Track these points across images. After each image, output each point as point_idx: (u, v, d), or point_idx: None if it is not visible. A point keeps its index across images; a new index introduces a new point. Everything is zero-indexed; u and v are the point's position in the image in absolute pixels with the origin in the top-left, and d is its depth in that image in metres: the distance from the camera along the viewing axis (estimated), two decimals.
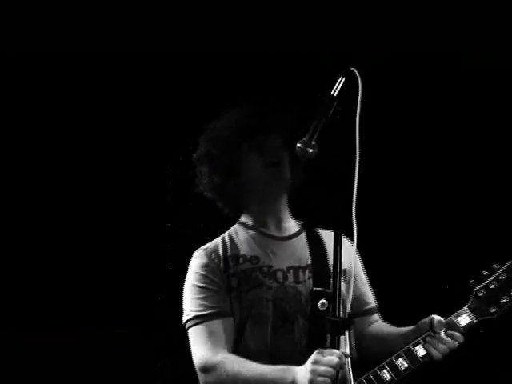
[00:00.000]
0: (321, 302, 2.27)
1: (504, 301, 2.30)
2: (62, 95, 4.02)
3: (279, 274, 2.35)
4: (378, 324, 2.56)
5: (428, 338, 2.28)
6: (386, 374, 2.24)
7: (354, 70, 1.86)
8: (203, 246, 2.46)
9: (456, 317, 2.31)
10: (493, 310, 2.31)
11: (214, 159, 2.49)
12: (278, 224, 2.49)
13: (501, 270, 2.31)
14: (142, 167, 3.99)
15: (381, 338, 2.46)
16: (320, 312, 2.23)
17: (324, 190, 2.10)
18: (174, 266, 3.94)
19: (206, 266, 2.38)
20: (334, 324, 1.91)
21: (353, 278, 2.23)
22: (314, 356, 2.04)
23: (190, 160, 3.32)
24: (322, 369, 1.99)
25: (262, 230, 2.48)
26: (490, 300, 2.30)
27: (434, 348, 2.26)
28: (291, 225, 2.53)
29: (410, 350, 2.27)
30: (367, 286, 2.57)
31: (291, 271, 2.37)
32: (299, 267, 2.39)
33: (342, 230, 2.00)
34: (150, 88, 3.89)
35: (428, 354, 2.27)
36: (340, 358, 1.98)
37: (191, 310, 2.35)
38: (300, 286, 2.36)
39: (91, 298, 4.07)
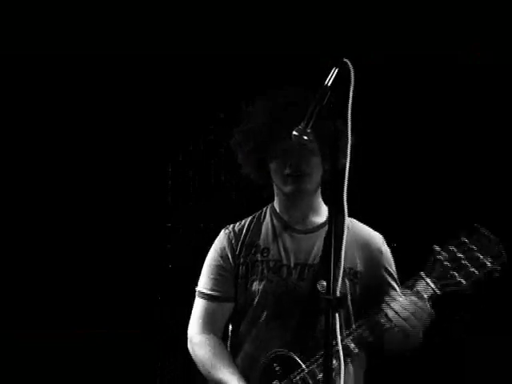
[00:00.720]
0: (319, 283, 2.38)
1: (473, 270, 2.19)
2: (63, 96, 4.08)
3: (284, 270, 2.46)
4: None
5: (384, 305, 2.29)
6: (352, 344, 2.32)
7: (347, 60, 1.96)
8: (231, 226, 2.60)
9: (413, 282, 2.28)
10: (461, 280, 2.20)
11: (245, 153, 2.57)
12: (304, 218, 2.56)
13: (469, 236, 2.20)
14: (142, 167, 4.06)
15: None
16: (317, 293, 2.35)
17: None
18: (173, 266, 4.01)
19: (223, 250, 2.54)
20: (328, 302, 2.00)
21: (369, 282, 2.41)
22: None
23: (190, 160, 3.42)
24: None
25: (286, 219, 2.56)
26: (456, 269, 2.21)
27: (392, 310, 2.25)
28: (319, 218, 2.56)
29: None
30: (394, 283, 2.53)
31: (298, 268, 2.48)
32: (306, 264, 2.48)
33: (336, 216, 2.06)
34: (150, 88, 3.97)
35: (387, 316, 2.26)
36: None
37: (200, 284, 2.58)
38: (302, 283, 2.46)
39: (91, 297, 4.14)
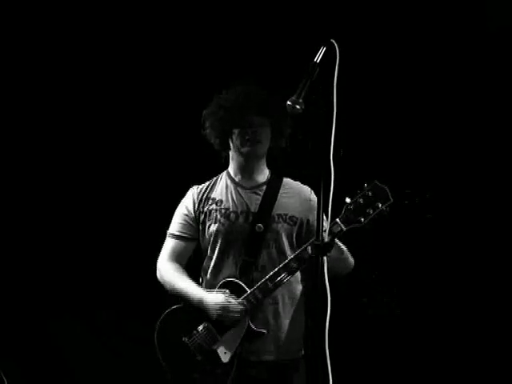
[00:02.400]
0: (257, 225, 3.09)
1: (370, 211, 2.84)
2: (63, 95, 4.40)
3: (232, 215, 3.15)
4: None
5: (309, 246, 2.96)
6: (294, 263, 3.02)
7: (333, 41, 2.33)
8: (196, 186, 3.31)
9: (331, 226, 2.87)
10: (362, 220, 2.85)
11: (212, 124, 3.24)
12: (250, 176, 3.23)
13: (367, 188, 2.86)
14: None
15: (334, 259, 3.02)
16: (257, 233, 3.08)
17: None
18: None
19: (188, 200, 3.26)
20: (316, 247, 2.34)
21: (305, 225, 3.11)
22: (226, 298, 3.01)
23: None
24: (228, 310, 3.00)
25: (236, 179, 3.24)
26: (359, 212, 2.86)
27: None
28: (261, 177, 3.25)
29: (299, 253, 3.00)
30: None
31: (243, 214, 3.15)
32: (249, 212, 3.15)
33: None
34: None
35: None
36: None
37: (170, 228, 3.29)
38: (246, 225, 3.14)
39: (97, 291, 4.44)
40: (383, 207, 2.84)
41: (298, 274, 3.16)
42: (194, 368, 3.09)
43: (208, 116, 3.25)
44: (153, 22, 4.38)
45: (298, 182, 3.30)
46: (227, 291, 3.06)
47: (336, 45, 2.36)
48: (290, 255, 3.06)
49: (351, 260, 3.14)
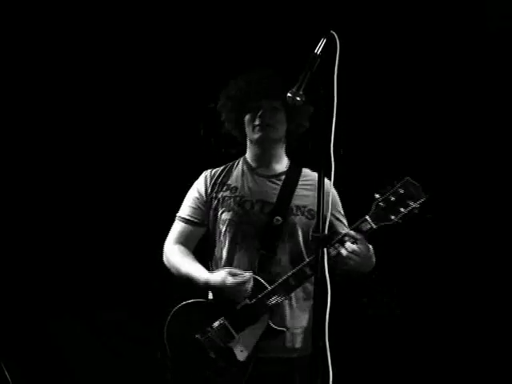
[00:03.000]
0: (276, 218, 2.97)
1: (401, 209, 2.73)
2: (63, 93, 4.42)
3: (247, 204, 3.02)
4: None
5: (337, 243, 2.82)
6: (307, 269, 2.85)
7: (334, 32, 2.34)
8: (210, 169, 3.20)
9: (360, 223, 2.80)
10: (392, 217, 2.74)
11: (226, 117, 3.19)
12: (268, 164, 3.12)
13: (399, 185, 2.75)
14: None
15: None
16: (275, 226, 2.95)
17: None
18: None
19: (200, 184, 3.15)
20: (316, 239, 2.34)
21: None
22: (230, 271, 2.89)
23: None
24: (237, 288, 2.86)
25: (253, 166, 3.13)
26: (390, 209, 2.74)
27: (343, 247, 2.78)
28: (280, 166, 3.13)
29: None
30: (342, 218, 3.13)
31: (259, 203, 3.03)
32: (266, 202, 3.03)
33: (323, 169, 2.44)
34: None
35: (338, 252, 2.79)
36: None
37: (180, 211, 3.18)
38: (262, 215, 3.01)
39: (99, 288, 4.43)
40: (415, 205, 2.72)
41: None
42: (207, 366, 2.95)
43: (220, 109, 3.20)
44: (152, 21, 4.40)
45: (315, 173, 3.07)
46: (233, 270, 2.93)
47: (336, 36, 2.37)
48: (304, 250, 3.00)
49: (374, 258, 3.02)
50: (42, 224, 4.58)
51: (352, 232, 2.79)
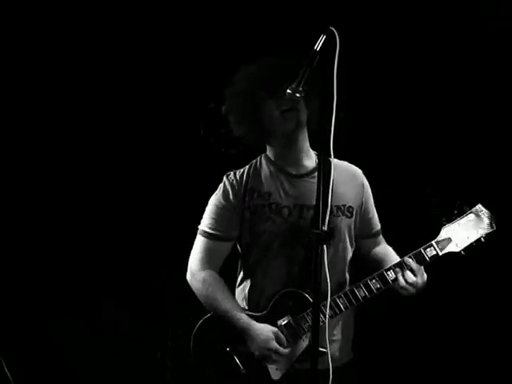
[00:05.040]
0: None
1: (469, 237, 2.62)
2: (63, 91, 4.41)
3: (285, 211, 2.75)
4: (383, 248, 2.95)
5: (397, 267, 2.67)
6: (361, 292, 2.66)
7: (333, 29, 2.34)
8: (232, 173, 2.88)
9: (424, 249, 2.67)
10: (460, 251, 2.64)
11: (236, 112, 2.84)
12: (297, 161, 2.83)
13: (469, 211, 2.64)
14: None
15: (379, 262, 2.87)
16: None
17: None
18: None
19: (227, 194, 2.81)
20: (317, 235, 2.33)
21: (359, 215, 2.80)
22: (275, 335, 2.65)
23: None
24: (273, 355, 2.64)
25: (281, 166, 2.83)
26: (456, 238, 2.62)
27: (401, 274, 2.65)
28: (310, 161, 2.85)
29: (382, 273, 2.68)
30: (374, 211, 2.95)
31: (297, 208, 2.76)
32: (304, 205, 2.76)
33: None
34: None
35: (396, 278, 2.65)
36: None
37: (203, 223, 2.85)
38: (302, 221, 2.75)
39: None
40: (484, 235, 2.62)
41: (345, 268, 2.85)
42: (235, 381, 2.72)
43: (229, 110, 2.88)
44: (151, 20, 4.41)
45: (346, 163, 2.91)
46: (290, 303, 2.70)
47: (336, 33, 2.36)
48: (349, 254, 2.82)
49: None
50: (42, 224, 4.58)
51: (413, 263, 2.64)
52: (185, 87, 4.31)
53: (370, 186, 2.95)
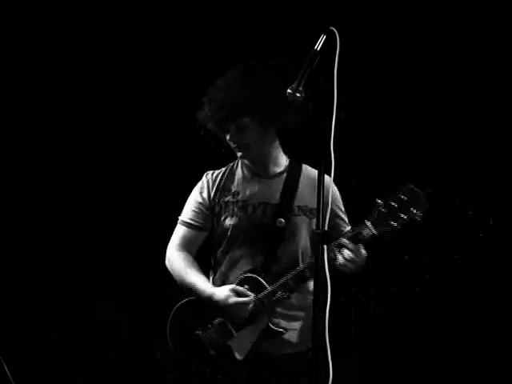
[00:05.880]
0: (278, 220, 2.96)
1: (403, 216, 2.70)
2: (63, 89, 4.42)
3: (250, 208, 3.02)
4: None
5: (336, 248, 2.82)
6: (307, 271, 2.88)
7: (333, 29, 2.35)
8: (210, 172, 3.19)
9: (360, 228, 2.79)
10: (392, 223, 2.71)
11: (211, 121, 3.09)
12: (265, 166, 3.09)
13: (402, 191, 2.72)
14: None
15: None
16: (277, 228, 2.95)
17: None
18: None
19: (203, 188, 3.13)
20: (318, 235, 2.35)
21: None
22: (235, 288, 2.91)
23: None
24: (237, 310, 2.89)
25: (251, 168, 3.10)
26: (391, 215, 2.71)
27: (341, 254, 2.80)
28: (277, 167, 3.10)
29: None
30: (341, 214, 3.12)
31: (261, 206, 3.03)
32: (268, 204, 3.03)
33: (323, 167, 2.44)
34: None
35: (335, 257, 2.81)
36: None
37: (183, 214, 3.18)
38: (265, 218, 3.02)
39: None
40: (418, 213, 2.69)
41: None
42: (207, 363, 2.98)
43: (202, 118, 3.15)
44: (150, 20, 4.42)
45: (316, 171, 3.03)
46: (246, 286, 2.96)
47: (336, 33, 2.37)
48: (303, 251, 3.01)
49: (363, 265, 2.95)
50: (42, 224, 4.60)
51: (348, 242, 2.79)
52: (185, 87, 4.30)
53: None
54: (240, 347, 2.91)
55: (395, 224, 2.71)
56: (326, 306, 2.44)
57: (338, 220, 3.09)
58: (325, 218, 2.39)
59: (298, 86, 2.38)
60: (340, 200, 3.14)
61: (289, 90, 2.39)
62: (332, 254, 2.78)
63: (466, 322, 4.28)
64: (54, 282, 4.54)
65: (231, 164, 3.19)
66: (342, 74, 2.38)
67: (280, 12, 4.15)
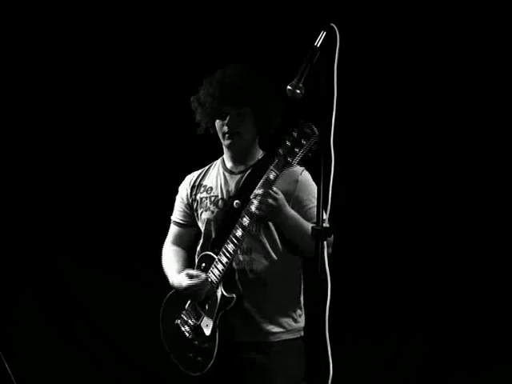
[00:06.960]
0: (235, 202, 3.04)
1: (297, 150, 2.79)
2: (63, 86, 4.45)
3: (221, 202, 3.15)
4: None
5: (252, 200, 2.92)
6: (238, 231, 2.97)
7: (334, 25, 2.35)
8: (193, 173, 3.33)
9: (267, 176, 2.88)
10: (289, 160, 2.81)
11: (198, 116, 3.20)
12: (241, 162, 3.17)
13: (292, 130, 2.80)
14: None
15: None
16: (234, 209, 3.03)
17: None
18: None
19: (182, 188, 3.31)
20: (317, 232, 2.34)
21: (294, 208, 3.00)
22: (188, 272, 3.07)
23: None
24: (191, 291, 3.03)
25: (227, 166, 3.21)
26: (289, 154, 2.81)
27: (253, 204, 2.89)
28: (250, 160, 3.17)
29: (247, 210, 2.93)
30: (311, 205, 3.07)
31: (231, 200, 3.10)
32: (229, 197, 3.13)
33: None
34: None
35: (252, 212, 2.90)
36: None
37: (173, 215, 3.36)
38: (233, 211, 3.07)
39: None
40: (309, 142, 2.77)
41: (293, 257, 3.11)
42: (189, 348, 3.12)
43: (195, 112, 3.23)
44: (149, 19, 4.45)
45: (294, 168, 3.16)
46: (203, 265, 3.10)
47: (336, 29, 2.36)
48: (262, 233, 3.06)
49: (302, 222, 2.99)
50: (42, 224, 4.64)
51: (260, 190, 2.88)
52: (184, 87, 4.29)
53: None
54: (207, 323, 3.05)
55: (291, 160, 2.82)
56: (325, 304, 2.42)
57: (305, 210, 3.07)
58: (322, 215, 2.36)
59: (298, 82, 2.37)
60: (308, 192, 3.10)
61: (288, 87, 2.39)
62: (252, 207, 2.89)
63: (467, 321, 4.31)
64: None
65: (213, 163, 3.30)
66: (341, 70, 2.36)
67: (280, 9, 4.17)
